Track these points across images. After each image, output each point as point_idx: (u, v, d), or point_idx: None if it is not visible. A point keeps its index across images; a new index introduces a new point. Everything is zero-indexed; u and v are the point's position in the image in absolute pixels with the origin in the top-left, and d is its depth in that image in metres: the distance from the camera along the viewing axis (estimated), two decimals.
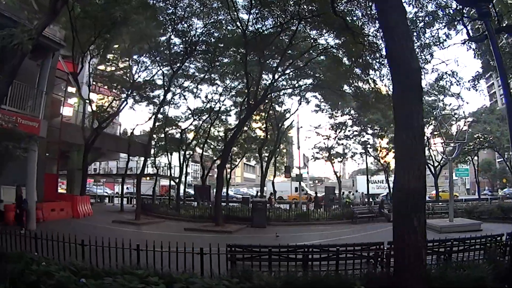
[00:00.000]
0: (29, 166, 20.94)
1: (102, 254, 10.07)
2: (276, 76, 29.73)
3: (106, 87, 40.15)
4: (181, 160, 41.24)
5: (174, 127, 41.98)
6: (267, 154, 46.31)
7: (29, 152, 19.17)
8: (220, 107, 40.19)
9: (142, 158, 44.24)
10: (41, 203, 23.52)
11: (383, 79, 24.22)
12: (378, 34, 21.07)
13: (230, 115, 44.11)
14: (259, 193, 42.31)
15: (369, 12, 20.55)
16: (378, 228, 25.57)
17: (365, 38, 21.97)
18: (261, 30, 25.76)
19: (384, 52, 21.43)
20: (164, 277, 8.27)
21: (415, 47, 19.23)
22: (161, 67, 33.67)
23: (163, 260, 9.81)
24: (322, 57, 28.21)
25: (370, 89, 26.65)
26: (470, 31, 18.79)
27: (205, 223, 27.05)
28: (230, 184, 60.25)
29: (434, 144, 41.52)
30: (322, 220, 29.76)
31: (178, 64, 30.94)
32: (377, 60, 23.06)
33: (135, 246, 10.18)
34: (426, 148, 44.28)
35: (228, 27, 28.60)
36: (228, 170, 52.42)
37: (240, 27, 25.92)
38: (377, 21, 20.06)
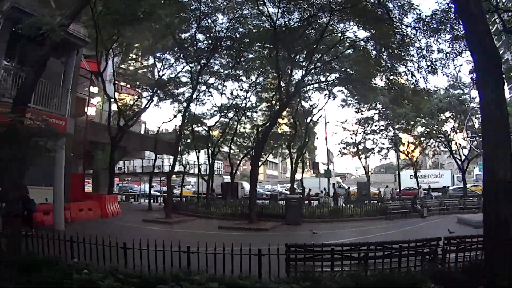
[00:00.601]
0: (57, 166, 20.24)
1: (148, 258, 9.14)
2: (306, 71, 28.38)
3: (128, 86, 39.38)
4: (209, 158, 40.76)
5: (199, 125, 40.88)
6: (293, 151, 45.26)
7: (56, 151, 18.61)
8: (246, 104, 39.34)
9: (167, 156, 43.65)
10: (68, 203, 22.83)
11: (421, 71, 22.86)
12: (416, 24, 20.22)
13: (256, 112, 43.36)
14: (286, 190, 41.22)
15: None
16: (413, 224, 25.13)
17: (402, 29, 21.05)
18: (289, 24, 24.88)
19: (423, 44, 21.02)
20: (225, 282, 7.31)
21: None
22: (187, 64, 32.89)
23: (209, 262, 9.00)
24: (349, 51, 27.20)
25: (407, 81, 25.40)
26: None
27: (237, 220, 26.09)
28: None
29: (464, 138, 40.46)
30: (356, 216, 28.85)
31: (204, 61, 30.19)
32: (417, 52, 21.84)
33: (182, 248, 9.23)
34: (453, 143, 43.37)
35: (254, 22, 27.86)
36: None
37: (269, 21, 25.08)
38: (415, 10, 19.49)
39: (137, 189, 57.08)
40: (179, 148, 39.24)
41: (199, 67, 30.91)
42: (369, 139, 46.56)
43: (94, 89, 35.28)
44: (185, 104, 36.03)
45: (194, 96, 35.29)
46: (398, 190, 46.06)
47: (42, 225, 19.02)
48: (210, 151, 40.72)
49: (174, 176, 44.39)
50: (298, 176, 49.54)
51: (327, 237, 19.40)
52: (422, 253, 10.03)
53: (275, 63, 26.64)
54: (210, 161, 40.62)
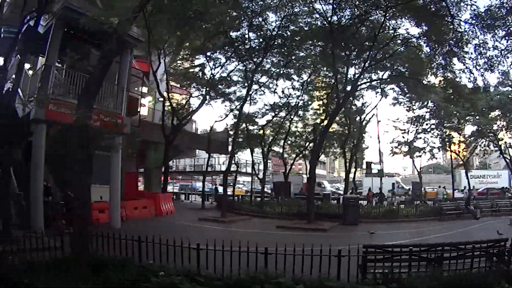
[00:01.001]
0: (113, 164, 20.34)
1: (222, 259, 8.78)
2: (362, 69, 27.70)
3: (179, 85, 39.30)
4: (264, 157, 40.39)
5: (251, 124, 40.31)
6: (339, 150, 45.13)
7: (113, 150, 18.55)
8: (298, 102, 38.56)
9: (216, 155, 43.44)
10: (124, 202, 22.84)
11: (479, 69, 21.98)
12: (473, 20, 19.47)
13: (308, 110, 42.64)
14: (337, 189, 40.55)
15: None
16: (468, 226, 24.53)
17: (458, 25, 20.37)
18: (342, 22, 24.36)
19: (479, 40, 20.22)
20: (313, 286, 6.95)
21: None
22: (240, 63, 32.52)
23: (287, 263, 8.46)
24: (401, 48, 26.62)
25: (462, 79, 24.72)
26: None
27: (293, 220, 25.74)
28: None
29: None
30: (411, 217, 28.25)
31: (256, 60, 29.88)
32: (474, 49, 21.02)
33: (258, 248, 8.78)
34: (502, 142, 42.51)
35: (305, 20, 27.34)
36: (300, 167, 51.07)
37: (323, 17, 24.68)
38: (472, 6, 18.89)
39: (198, 187, 57.13)
40: (231, 147, 39.20)
41: (250, 66, 30.76)
42: (420, 138, 45.40)
43: (145, 89, 35.22)
44: (236, 103, 36.25)
45: (245, 94, 34.84)
46: (465, 189, 45.17)
47: (97, 223, 19.03)
48: (263, 150, 40.40)
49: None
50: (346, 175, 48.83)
51: (384, 238, 19.17)
52: (490, 254, 9.63)
53: (332, 61, 25.95)
54: (265, 160, 40.03)
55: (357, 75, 29.03)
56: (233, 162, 37.12)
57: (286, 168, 42.79)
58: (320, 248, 8.57)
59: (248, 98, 34.41)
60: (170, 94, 33.31)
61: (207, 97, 35.15)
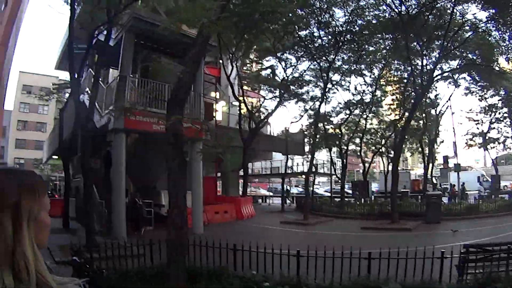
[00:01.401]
0: (195, 170, 20.36)
1: (324, 265, 8.11)
2: (438, 59, 26.82)
3: (250, 88, 39.12)
4: (342, 156, 39.77)
5: (327, 123, 39.43)
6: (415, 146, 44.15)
7: (194, 156, 18.77)
8: (372, 99, 37.39)
9: (296, 157, 43.02)
10: (205, 207, 22.67)
11: None
12: None
13: (381, 106, 41.58)
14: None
15: None
16: None
17: None
18: (410, 11, 23.70)
19: None
20: None
21: None
22: (313, 62, 32.02)
23: (390, 268, 8.03)
24: (468, 34, 25.47)
25: None
26: None
27: (376, 220, 24.96)
28: (375, 177, 57.18)
29: None
30: (491, 212, 26.72)
31: (331, 57, 29.42)
32: None
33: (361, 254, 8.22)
34: None
35: (372, 13, 26.96)
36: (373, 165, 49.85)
37: (392, 8, 24.35)
38: None
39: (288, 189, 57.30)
40: (309, 148, 38.66)
41: (322, 64, 30.26)
42: (494, 128, 42.75)
43: (216, 95, 35.33)
44: (310, 103, 36.03)
45: (320, 94, 34.43)
46: None
47: None
48: (341, 149, 39.63)
49: (301, 176, 43.80)
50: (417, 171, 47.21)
51: (469, 236, 17.98)
52: None
53: (406, 53, 25.30)
54: (343, 160, 39.11)
55: (429, 66, 28.00)
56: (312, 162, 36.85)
57: (364, 167, 41.94)
58: (424, 249, 8.10)
59: (324, 97, 33.87)
60: (244, 98, 33.09)
61: (279, 98, 34.79)
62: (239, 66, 33.65)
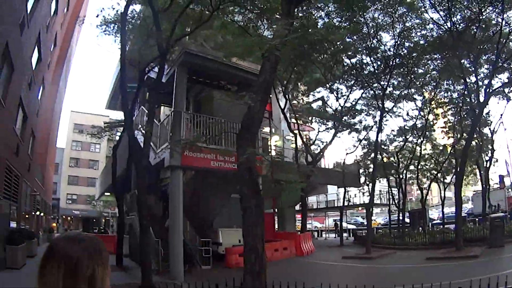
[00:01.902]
0: None
1: None
2: (491, 74, 25.71)
3: (301, 121, 38.46)
4: (400, 186, 38.50)
5: (383, 152, 38.81)
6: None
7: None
8: (425, 123, 36.16)
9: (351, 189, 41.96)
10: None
11: None
12: None
13: (434, 130, 40.11)
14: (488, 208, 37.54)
15: None
16: None
17: None
18: (458, 26, 23.24)
19: None
20: None
21: None
22: (363, 90, 31.60)
23: None
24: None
25: None
26: None
27: (440, 249, 23.76)
28: (428, 204, 55.75)
29: None
30: None
31: (381, 83, 28.80)
32: None
33: None
34: None
35: (420, 33, 26.42)
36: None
37: (439, 25, 24.26)
38: None
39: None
40: (364, 179, 37.67)
41: (375, 92, 29.47)
42: None
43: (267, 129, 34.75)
44: (363, 133, 35.30)
45: (372, 123, 34.19)
46: None
47: (237, 266, 17.84)
48: (400, 178, 38.50)
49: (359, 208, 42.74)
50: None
51: None
52: None
53: (459, 71, 24.75)
54: (401, 189, 38.08)
55: (480, 83, 27.15)
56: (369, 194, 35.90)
57: (422, 194, 40.47)
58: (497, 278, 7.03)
59: (379, 126, 32.97)
60: (299, 131, 32.36)
61: (334, 130, 33.89)
62: (290, 98, 33.15)
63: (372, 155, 34.84)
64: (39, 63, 26.84)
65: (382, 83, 28.58)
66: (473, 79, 26.64)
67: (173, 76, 19.85)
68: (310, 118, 37.44)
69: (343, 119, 33.02)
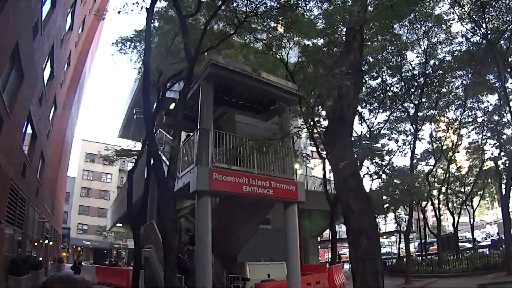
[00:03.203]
0: (290, 237, 16.72)
1: None
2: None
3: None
4: (436, 211, 37.32)
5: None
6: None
7: (289, 220, 16.58)
8: (452, 145, 34.72)
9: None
10: None
11: None
12: None
13: (458, 151, 37.64)
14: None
15: None
16: None
17: None
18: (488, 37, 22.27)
19: None
20: None
21: None
22: (392, 113, 30.37)
23: None
24: None
25: None
26: None
27: (486, 275, 22.38)
28: (445, 231, 53.93)
29: None
30: None
31: (409, 104, 28.50)
32: None
33: None
34: None
35: (445, 49, 26.12)
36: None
37: (467, 39, 24.33)
38: None
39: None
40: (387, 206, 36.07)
41: (398, 114, 29.11)
42: None
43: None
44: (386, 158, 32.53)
45: (396, 147, 32.07)
46: None
47: None
48: (433, 203, 37.29)
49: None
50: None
51: None
52: None
53: (487, 83, 25.29)
54: (436, 214, 36.74)
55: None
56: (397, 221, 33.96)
57: (454, 218, 38.57)
58: None
59: (398, 150, 31.85)
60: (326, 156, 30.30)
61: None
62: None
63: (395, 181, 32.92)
64: (51, 79, 25.21)
65: (410, 104, 27.89)
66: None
67: (195, 95, 17.58)
68: None
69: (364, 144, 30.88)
